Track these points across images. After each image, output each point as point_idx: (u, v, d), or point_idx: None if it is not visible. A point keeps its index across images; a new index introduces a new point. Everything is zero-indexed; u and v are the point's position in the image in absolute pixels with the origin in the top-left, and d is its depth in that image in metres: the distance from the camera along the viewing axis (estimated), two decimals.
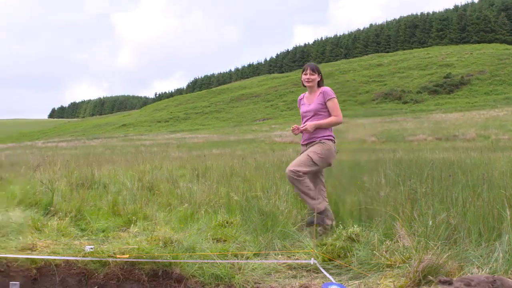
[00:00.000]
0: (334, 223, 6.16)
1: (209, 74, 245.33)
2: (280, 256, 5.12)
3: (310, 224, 6.03)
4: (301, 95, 6.78)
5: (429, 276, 3.88)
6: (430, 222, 4.86)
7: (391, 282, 4.07)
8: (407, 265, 4.20)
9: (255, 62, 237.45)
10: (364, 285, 4.15)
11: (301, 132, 6.40)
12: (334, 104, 6.34)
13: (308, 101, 6.53)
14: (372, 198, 6.73)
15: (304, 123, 6.45)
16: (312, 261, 4.72)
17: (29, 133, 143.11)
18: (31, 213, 6.67)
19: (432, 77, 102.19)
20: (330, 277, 4.36)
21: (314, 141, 6.34)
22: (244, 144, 39.13)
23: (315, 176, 6.37)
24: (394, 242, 4.84)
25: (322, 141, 6.29)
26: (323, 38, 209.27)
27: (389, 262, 4.40)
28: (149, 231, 5.99)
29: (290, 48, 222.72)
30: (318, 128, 6.33)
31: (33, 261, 4.82)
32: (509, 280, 3.56)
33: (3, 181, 9.28)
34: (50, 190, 7.56)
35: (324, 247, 5.05)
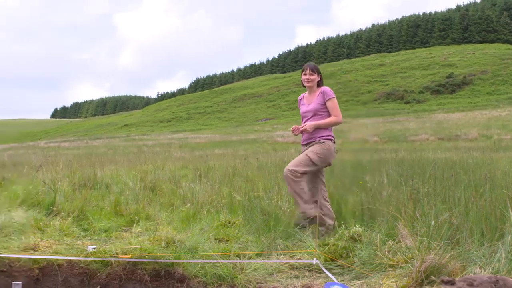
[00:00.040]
0: (336, 223, 6.17)
1: (211, 74, 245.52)
2: (282, 256, 5.12)
3: (297, 225, 6.02)
4: (301, 95, 6.78)
5: (432, 276, 3.87)
6: (433, 222, 4.86)
7: (393, 282, 4.07)
8: (409, 265, 4.20)
9: (257, 62, 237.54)
10: (367, 285, 4.15)
11: (301, 132, 6.39)
12: (333, 104, 6.33)
13: (308, 101, 6.53)
14: (375, 198, 6.73)
15: (304, 123, 6.45)
16: (314, 261, 4.72)
17: (31, 133, 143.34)
18: (34, 213, 6.68)
19: (434, 77, 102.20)
20: (333, 277, 4.36)
21: (313, 141, 6.33)
22: (246, 144, 39.14)
23: (315, 176, 6.36)
24: (397, 242, 4.84)
25: (322, 141, 6.28)
26: (325, 38, 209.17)
27: (392, 262, 4.40)
28: (152, 231, 6.00)
29: (292, 48, 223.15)
30: (317, 128, 6.31)
31: (35, 261, 4.82)
32: None
33: (6, 181, 9.29)
34: (53, 190, 7.58)
35: (327, 247, 5.05)
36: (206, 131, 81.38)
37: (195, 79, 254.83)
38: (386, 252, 4.58)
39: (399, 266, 4.31)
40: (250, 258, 4.94)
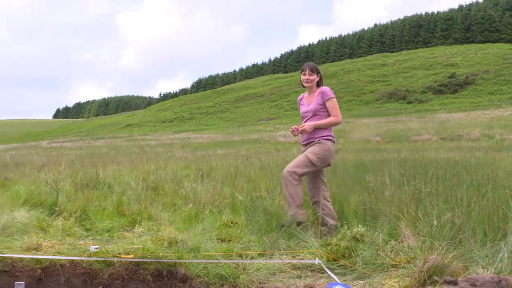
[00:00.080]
0: (338, 223, 6.16)
1: (213, 74, 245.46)
2: (284, 256, 5.12)
3: (281, 226, 6.01)
4: (301, 96, 6.77)
5: (434, 276, 3.87)
6: (435, 222, 4.85)
7: (396, 282, 4.06)
8: (412, 265, 4.20)
9: (259, 62, 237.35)
10: (369, 285, 4.15)
11: (301, 132, 6.38)
12: (333, 104, 6.31)
13: (308, 102, 6.51)
14: (377, 198, 6.72)
15: (303, 123, 6.44)
16: (316, 261, 4.72)
17: (34, 133, 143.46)
18: (36, 213, 6.69)
19: (436, 77, 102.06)
20: (335, 277, 4.36)
21: (313, 141, 6.32)
22: (249, 144, 39.11)
23: (316, 176, 6.36)
24: (399, 242, 4.84)
25: (321, 141, 6.26)
26: (328, 38, 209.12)
27: (394, 262, 4.40)
28: (154, 231, 6.00)
29: (295, 48, 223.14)
30: (317, 128, 6.30)
31: (38, 261, 4.83)
32: None
33: (8, 181, 9.29)
34: (55, 190, 7.58)
35: (329, 247, 5.05)
36: (208, 131, 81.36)
37: (197, 79, 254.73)
38: (389, 252, 4.57)
39: (402, 266, 4.31)
40: (252, 258, 4.94)
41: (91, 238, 5.92)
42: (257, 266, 4.68)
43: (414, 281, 3.95)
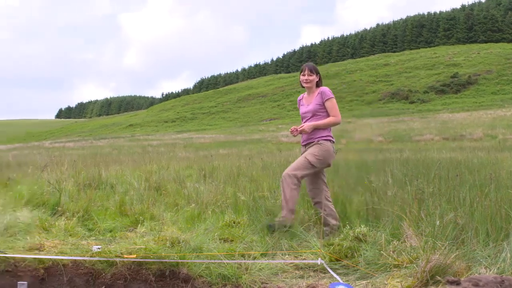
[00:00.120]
0: (340, 223, 6.15)
1: (215, 74, 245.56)
2: (287, 256, 5.12)
3: (269, 227, 6.01)
4: (300, 96, 6.76)
5: (437, 276, 3.87)
6: (438, 222, 4.85)
7: (398, 282, 4.06)
8: (414, 265, 4.19)
9: (261, 62, 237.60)
10: (371, 285, 4.15)
11: (300, 133, 6.37)
12: (332, 104, 6.29)
13: (307, 102, 6.50)
14: (379, 198, 6.72)
15: (303, 124, 6.43)
16: (319, 261, 4.72)
17: (36, 133, 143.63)
18: (39, 213, 6.70)
19: (439, 77, 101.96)
20: (337, 277, 4.36)
21: (312, 142, 6.30)
22: (251, 144, 39.09)
23: (316, 176, 6.34)
24: (402, 242, 4.83)
25: (320, 142, 6.24)
26: (330, 38, 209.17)
27: (397, 262, 4.40)
28: (156, 231, 6.01)
29: (297, 48, 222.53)
30: (316, 129, 6.29)
31: (40, 261, 4.84)
32: None
33: (11, 181, 9.30)
34: (58, 190, 7.59)
35: (331, 247, 5.04)
36: (211, 131, 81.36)
37: (199, 79, 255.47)
38: (391, 252, 4.57)
39: (404, 266, 4.31)
40: (255, 258, 4.94)
41: (94, 238, 5.93)
42: (260, 266, 4.68)
43: (416, 281, 3.95)
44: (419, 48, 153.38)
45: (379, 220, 5.80)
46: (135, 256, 4.81)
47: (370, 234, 5.22)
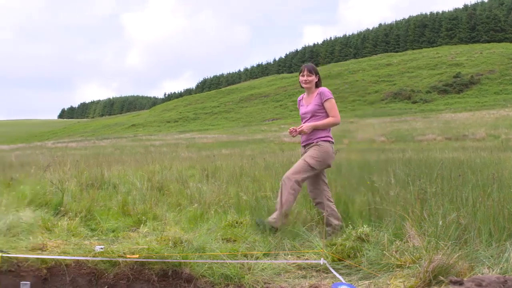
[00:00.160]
0: (342, 223, 6.15)
1: (218, 74, 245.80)
2: (289, 256, 5.12)
3: (258, 223, 6.02)
4: (300, 96, 6.75)
5: (440, 277, 3.87)
6: (440, 222, 4.85)
7: (401, 282, 4.06)
8: (417, 265, 4.19)
9: (264, 62, 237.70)
10: (374, 285, 4.14)
11: (299, 133, 6.36)
12: (331, 105, 6.27)
13: (307, 103, 6.49)
14: (382, 198, 6.71)
15: (302, 124, 6.42)
16: (322, 261, 4.72)
17: (39, 134, 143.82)
18: (41, 213, 6.70)
19: (441, 77, 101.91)
20: (340, 277, 4.36)
21: (312, 142, 6.30)
22: (254, 144, 39.11)
23: (316, 177, 6.34)
24: (404, 242, 4.83)
25: (319, 143, 6.22)
26: (332, 38, 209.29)
27: (399, 262, 4.39)
28: (159, 231, 6.01)
29: (299, 48, 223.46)
30: (315, 129, 6.28)
31: (43, 261, 4.84)
32: None
33: (14, 181, 9.31)
34: (60, 190, 7.60)
35: (334, 247, 5.04)
36: (213, 131, 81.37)
37: (202, 79, 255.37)
38: (394, 252, 4.57)
39: (407, 266, 4.30)
40: (257, 258, 4.94)
41: (96, 238, 5.93)
42: (262, 266, 4.68)
43: (419, 281, 3.95)
44: (422, 48, 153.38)
45: (382, 220, 5.80)
46: (137, 256, 4.81)
47: (373, 234, 5.22)
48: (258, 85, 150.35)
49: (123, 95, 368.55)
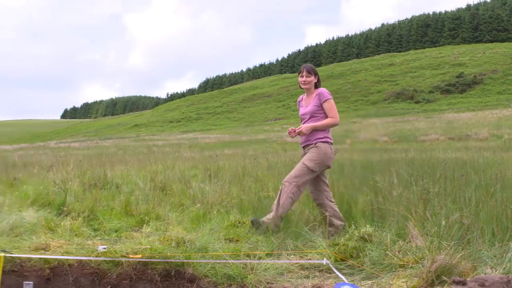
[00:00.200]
0: (344, 223, 6.15)
1: (220, 74, 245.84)
2: (292, 256, 5.12)
3: (254, 222, 6.03)
4: (300, 97, 6.75)
5: (443, 276, 3.86)
6: (443, 222, 4.84)
7: (404, 282, 4.06)
8: (420, 265, 4.19)
9: (266, 62, 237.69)
10: (377, 285, 4.14)
11: (298, 134, 6.35)
12: (330, 106, 6.26)
13: (306, 103, 6.48)
14: (385, 198, 6.72)
15: (301, 125, 6.42)
16: (324, 261, 4.71)
17: (42, 134, 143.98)
18: (44, 213, 6.70)
19: (444, 77, 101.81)
20: (343, 277, 4.36)
21: (310, 144, 6.29)
22: (256, 144, 39.13)
23: (317, 178, 6.33)
24: (407, 242, 4.83)
25: (318, 144, 6.21)
26: (335, 38, 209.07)
27: (402, 262, 4.39)
28: (162, 231, 6.01)
29: (302, 48, 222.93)
30: (314, 130, 6.28)
31: (46, 261, 4.85)
32: None
33: (17, 181, 9.32)
34: (63, 190, 7.60)
35: (337, 247, 5.04)
36: (216, 131, 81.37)
37: (204, 79, 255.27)
38: (397, 252, 4.57)
39: (410, 266, 4.30)
40: (260, 258, 4.94)
41: (99, 238, 5.93)
42: (265, 266, 4.68)
43: (422, 281, 3.94)
44: (424, 48, 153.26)
45: (385, 220, 5.80)
46: (140, 256, 4.81)
47: (376, 234, 5.22)
48: (261, 85, 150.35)
49: (125, 95, 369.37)
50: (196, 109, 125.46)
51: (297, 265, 4.83)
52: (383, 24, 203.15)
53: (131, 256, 4.82)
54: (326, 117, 6.27)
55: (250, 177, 10.54)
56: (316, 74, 6.43)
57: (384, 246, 4.81)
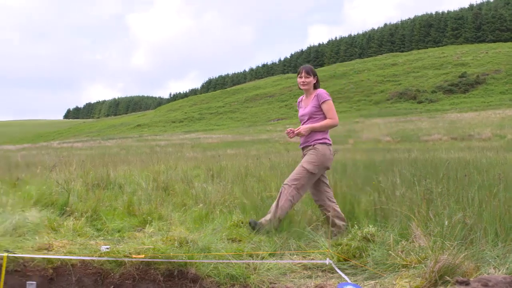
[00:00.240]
0: (346, 223, 6.14)
1: (223, 74, 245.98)
2: (295, 256, 5.12)
3: (252, 224, 6.03)
4: (300, 98, 6.73)
5: (446, 277, 3.86)
6: (446, 222, 4.84)
7: (406, 282, 4.05)
8: (423, 265, 4.18)
9: (269, 62, 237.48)
10: (380, 285, 4.14)
11: (296, 135, 6.34)
12: (328, 107, 6.24)
13: (305, 104, 6.47)
14: (388, 198, 6.71)
15: (299, 127, 6.40)
16: (327, 261, 4.71)
17: (44, 134, 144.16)
18: (47, 213, 6.70)
19: (447, 77, 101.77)
20: (346, 277, 4.36)
21: (309, 145, 6.28)
22: (259, 144, 39.11)
23: (317, 179, 6.32)
24: (410, 242, 4.82)
25: (316, 146, 6.19)
26: (338, 38, 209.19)
27: (405, 262, 4.39)
28: (164, 231, 6.01)
29: (305, 48, 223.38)
30: (313, 132, 6.27)
31: (49, 261, 4.85)
32: None
33: (20, 181, 9.33)
34: (66, 190, 7.61)
35: (340, 247, 5.04)
36: (218, 131, 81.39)
37: (207, 79, 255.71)
38: (400, 252, 4.56)
39: (413, 266, 4.30)
40: (263, 258, 4.94)
41: (102, 238, 5.93)
42: (268, 266, 4.68)
43: (425, 281, 3.94)
44: (427, 48, 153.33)
45: (388, 220, 5.80)
46: (143, 256, 4.81)
47: (379, 234, 5.21)
48: (264, 85, 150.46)
49: (128, 95, 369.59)
50: (198, 109, 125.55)
51: (300, 265, 4.83)
52: (385, 24, 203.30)
53: (134, 256, 4.82)
54: (325, 118, 6.25)
55: (252, 177, 10.54)
56: (315, 75, 6.42)
57: (387, 246, 4.81)
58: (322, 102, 6.22)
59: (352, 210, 6.68)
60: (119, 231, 6.21)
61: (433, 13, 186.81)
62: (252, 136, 58.39)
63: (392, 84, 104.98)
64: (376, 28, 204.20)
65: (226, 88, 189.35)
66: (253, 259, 4.83)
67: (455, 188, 6.94)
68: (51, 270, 4.82)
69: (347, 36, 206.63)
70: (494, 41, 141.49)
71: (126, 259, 4.79)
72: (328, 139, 6.29)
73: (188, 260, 4.77)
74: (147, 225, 6.43)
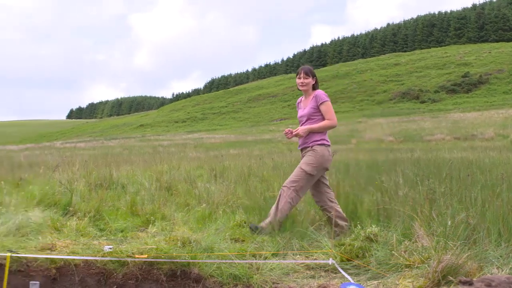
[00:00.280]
0: (348, 223, 6.14)
1: (226, 74, 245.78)
2: (298, 256, 5.12)
3: (252, 227, 6.02)
4: (299, 99, 6.73)
5: (449, 277, 3.86)
6: (449, 222, 4.83)
7: (410, 282, 4.05)
8: (426, 265, 4.18)
9: (272, 62, 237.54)
10: (383, 285, 4.14)
11: (295, 136, 6.33)
12: (327, 108, 6.23)
13: (304, 105, 6.47)
14: (391, 198, 6.70)
15: (298, 128, 6.39)
16: (330, 261, 4.71)
17: (47, 134, 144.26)
18: (50, 213, 6.72)
19: (450, 76, 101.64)
20: (349, 277, 4.35)
21: (307, 146, 6.26)
22: (262, 144, 39.08)
23: (317, 180, 6.31)
24: (413, 242, 4.82)
25: (314, 147, 6.17)
26: (340, 38, 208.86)
27: (408, 262, 4.39)
28: (167, 231, 6.02)
29: (307, 48, 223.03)
30: (311, 133, 6.26)
31: (52, 261, 4.85)
32: None
33: (23, 181, 9.34)
34: (69, 190, 7.61)
35: (342, 247, 5.04)
36: (221, 131, 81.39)
37: (210, 79, 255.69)
38: (403, 252, 4.56)
39: (416, 266, 4.29)
40: (266, 258, 4.94)
41: (105, 238, 5.94)
42: (271, 266, 4.68)
43: (428, 281, 3.94)
44: (430, 48, 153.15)
45: (390, 220, 5.79)
46: (146, 256, 4.82)
47: (381, 234, 5.21)
48: (266, 85, 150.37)
49: (131, 95, 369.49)
50: (201, 109, 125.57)
51: (303, 265, 4.83)
52: (388, 24, 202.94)
53: (137, 256, 4.83)
54: (324, 119, 6.24)
55: (255, 177, 10.54)
56: (314, 76, 6.41)
57: (390, 246, 4.80)
58: (321, 103, 6.21)
59: (355, 210, 6.67)
60: (122, 231, 6.22)
61: (436, 13, 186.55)
62: (255, 136, 58.37)
63: (395, 84, 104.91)
64: (379, 28, 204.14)
65: (228, 88, 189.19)
66: (256, 259, 4.83)
67: (458, 188, 6.93)
68: (54, 270, 4.83)
69: (350, 36, 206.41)
70: (497, 41, 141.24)
71: (129, 259, 4.80)
72: (327, 140, 6.28)
73: (191, 260, 4.78)
74: (150, 225, 6.44)
